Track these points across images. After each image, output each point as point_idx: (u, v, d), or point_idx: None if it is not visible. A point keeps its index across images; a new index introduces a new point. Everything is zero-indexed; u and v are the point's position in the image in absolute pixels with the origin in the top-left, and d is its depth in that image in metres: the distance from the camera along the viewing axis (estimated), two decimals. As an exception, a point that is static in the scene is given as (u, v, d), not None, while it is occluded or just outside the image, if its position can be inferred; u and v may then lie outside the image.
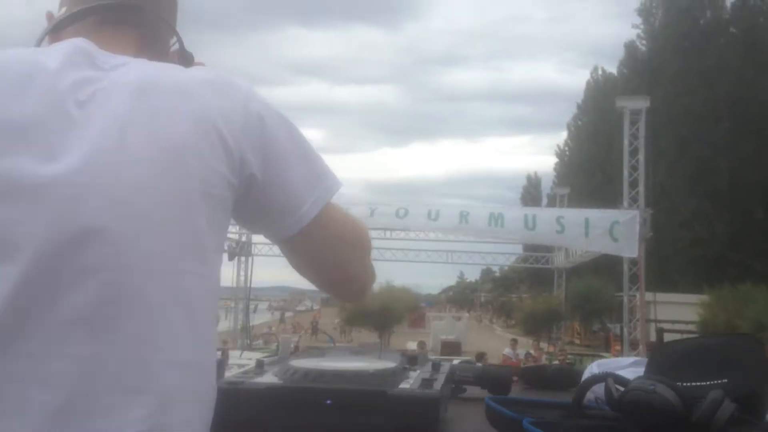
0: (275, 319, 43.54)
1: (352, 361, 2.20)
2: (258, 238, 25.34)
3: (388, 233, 20.83)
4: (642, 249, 14.49)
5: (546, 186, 43.66)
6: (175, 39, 1.21)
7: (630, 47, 40.55)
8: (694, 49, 33.07)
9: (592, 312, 28.01)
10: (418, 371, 2.16)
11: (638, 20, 39.95)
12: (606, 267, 23.25)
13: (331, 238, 1.13)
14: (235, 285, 19.80)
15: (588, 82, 47.66)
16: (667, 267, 30.88)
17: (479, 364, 3.22)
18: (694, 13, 35.31)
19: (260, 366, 2.23)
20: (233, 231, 23.72)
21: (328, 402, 1.85)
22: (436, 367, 2.26)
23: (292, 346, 3.77)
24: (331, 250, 1.15)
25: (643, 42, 39.86)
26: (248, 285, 19.15)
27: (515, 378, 2.82)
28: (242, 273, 19.66)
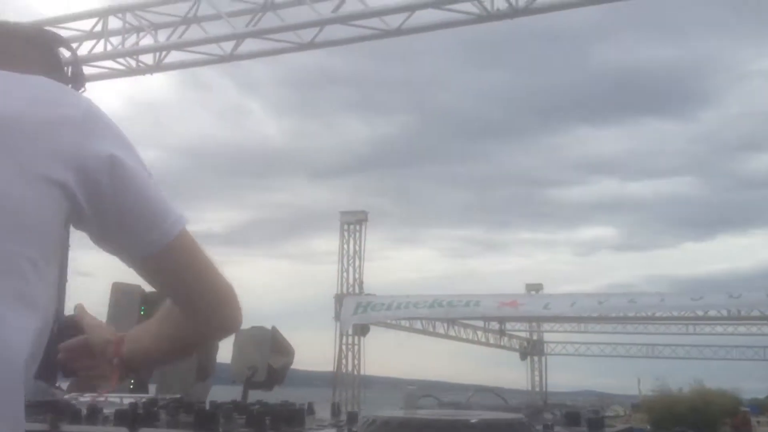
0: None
1: (467, 413, 1.88)
2: (551, 336, 24.46)
3: (683, 327, 19.01)
4: None
5: None
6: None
7: None
8: None
9: None
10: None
11: None
12: None
13: (194, 261, 1.11)
14: (529, 387, 19.23)
15: None
16: None
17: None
18: None
19: (352, 419, 2.04)
20: (522, 329, 23.27)
21: None
22: (572, 418, 1.83)
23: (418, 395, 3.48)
24: (194, 274, 1.11)
25: None
26: (544, 388, 18.58)
27: None
28: (536, 374, 19.13)
